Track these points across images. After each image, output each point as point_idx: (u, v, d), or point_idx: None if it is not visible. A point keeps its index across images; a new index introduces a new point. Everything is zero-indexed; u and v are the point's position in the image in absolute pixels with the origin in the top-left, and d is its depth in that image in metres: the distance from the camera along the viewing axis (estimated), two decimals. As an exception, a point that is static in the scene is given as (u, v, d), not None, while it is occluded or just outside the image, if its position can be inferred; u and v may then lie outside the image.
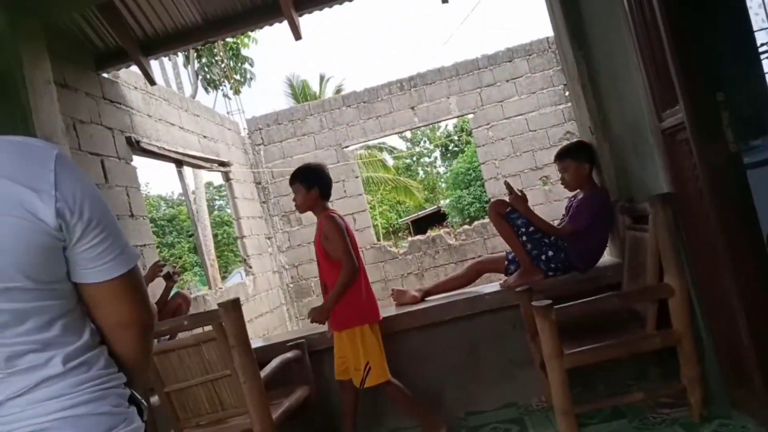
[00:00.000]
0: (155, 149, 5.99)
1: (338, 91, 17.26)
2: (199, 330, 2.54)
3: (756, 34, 2.93)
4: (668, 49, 2.00)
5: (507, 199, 3.04)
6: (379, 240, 11.21)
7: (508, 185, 3.10)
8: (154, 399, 2.48)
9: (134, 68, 4.94)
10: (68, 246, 0.85)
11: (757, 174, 2.23)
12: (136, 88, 5.89)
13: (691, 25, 1.99)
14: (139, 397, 0.97)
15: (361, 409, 2.87)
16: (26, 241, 0.79)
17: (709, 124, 1.96)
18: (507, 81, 9.60)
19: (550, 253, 2.90)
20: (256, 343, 3.21)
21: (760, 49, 2.93)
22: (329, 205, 2.83)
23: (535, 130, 9.55)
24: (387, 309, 3.30)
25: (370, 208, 14.44)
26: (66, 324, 0.87)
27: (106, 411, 0.87)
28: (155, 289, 4.02)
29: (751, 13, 2.93)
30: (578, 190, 3.05)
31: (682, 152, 2.16)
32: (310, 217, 10.61)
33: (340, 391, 2.79)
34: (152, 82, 5.06)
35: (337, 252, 2.59)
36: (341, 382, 2.76)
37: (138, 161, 5.44)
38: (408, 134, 25.32)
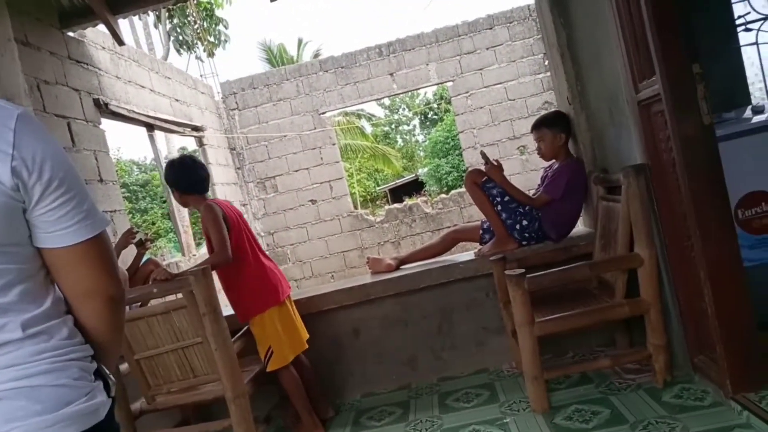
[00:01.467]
0: (125, 112, 5.81)
1: (316, 55, 16.92)
2: (170, 297, 2.51)
3: (733, 5, 2.92)
4: (647, 19, 1.99)
5: (483, 168, 3.03)
6: (356, 208, 11.18)
7: (483, 155, 3.09)
8: (124, 366, 2.46)
9: (102, 27, 4.74)
10: (28, 208, 0.81)
11: (729, 146, 2.26)
12: (104, 48, 5.66)
13: (671, -6, 1.96)
14: (107, 371, 0.92)
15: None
16: None
17: (685, 96, 1.97)
18: (487, 49, 9.50)
19: (525, 222, 2.92)
20: (228, 310, 3.20)
21: (737, 21, 2.93)
22: (208, 195, 2.75)
23: (513, 99, 9.53)
24: (362, 277, 3.31)
25: (348, 175, 14.35)
26: (25, 290, 0.82)
27: (64, 383, 0.83)
28: (127, 256, 3.95)
29: (730, -16, 2.92)
30: (554, 160, 3.06)
31: (657, 124, 2.17)
32: (287, 183, 10.52)
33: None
34: (120, 42, 4.87)
35: (214, 241, 2.50)
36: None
37: (107, 124, 5.27)
38: (387, 101, 25.09)
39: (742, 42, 2.94)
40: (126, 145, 62.01)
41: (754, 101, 2.89)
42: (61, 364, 0.83)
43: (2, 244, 0.80)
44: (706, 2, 2.82)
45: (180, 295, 2.30)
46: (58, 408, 0.81)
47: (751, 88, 2.97)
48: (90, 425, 0.84)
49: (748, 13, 2.94)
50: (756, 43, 2.97)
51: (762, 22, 2.95)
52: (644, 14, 2.00)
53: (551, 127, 2.97)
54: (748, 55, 2.97)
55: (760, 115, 2.50)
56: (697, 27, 2.59)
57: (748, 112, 2.57)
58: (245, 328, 2.67)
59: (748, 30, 2.94)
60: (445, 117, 21.85)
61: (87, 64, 5.11)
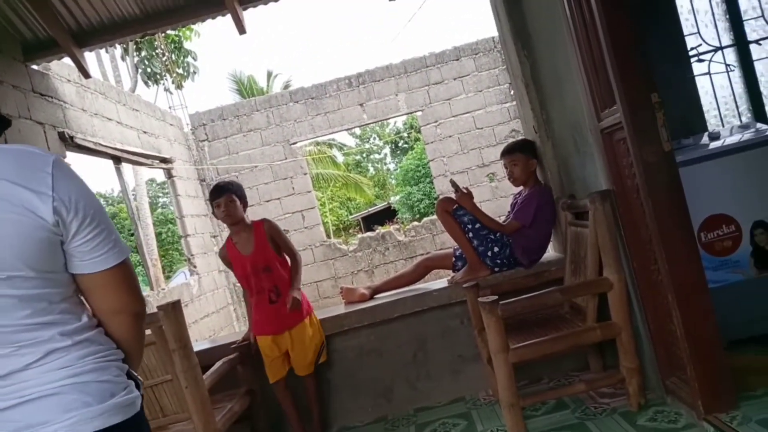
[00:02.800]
0: (91, 145, 5.71)
1: (286, 87, 17.01)
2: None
3: (686, 38, 3.07)
4: (606, 51, 2.07)
5: (454, 196, 3.07)
6: (329, 237, 11.13)
7: (453, 183, 3.13)
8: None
9: (67, 60, 4.68)
10: (66, 241, 0.95)
11: (689, 172, 2.35)
12: (69, 80, 5.59)
13: (629, 28, 2.05)
14: (135, 374, 1.08)
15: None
16: (27, 235, 0.90)
17: (645, 124, 2.04)
18: (454, 79, 9.72)
19: (496, 249, 2.95)
20: (200, 345, 3.12)
21: (690, 53, 3.07)
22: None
23: (481, 128, 9.73)
24: (336, 307, 3.27)
25: (320, 204, 14.32)
26: (65, 309, 0.98)
27: (108, 379, 0.99)
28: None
29: (682, 18, 3.07)
30: (522, 187, 3.12)
31: (619, 150, 2.23)
32: (259, 214, 10.44)
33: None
34: (86, 75, 4.81)
35: (290, 247, 2.95)
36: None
37: (73, 157, 5.17)
38: (357, 131, 25.30)
39: (695, 72, 3.09)
40: (92, 177, 60.82)
41: (710, 128, 3.02)
42: (103, 364, 0.99)
43: (46, 271, 0.94)
44: (661, 35, 2.96)
45: (148, 331, 2.24)
46: (105, 400, 0.96)
47: (706, 116, 3.10)
48: (130, 415, 0.99)
49: (700, 45, 3.09)
50: (708, 73, 3.12)
51: (713, 53, 3.11)
52: (603, 46, 2.08)
53: (524, 152, 3.03)
54: (702, 84, 3.12)
55: (716, 141, 2.61)
56: (653, 58, 2.71)
57: (705, 139, 2.68)
58: (218, 362, 2.60)
59: (700, 61, 3.09)
60: (415, 145, 22.11)
61: (52, 97, 5.03)
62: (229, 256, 2.85)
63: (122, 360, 1.05)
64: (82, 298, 1.04)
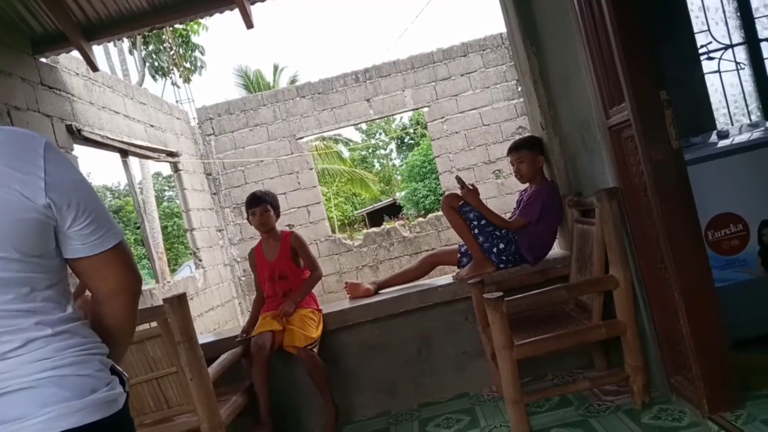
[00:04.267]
0: (98, 138, 5.74)
1: (293, 81, 17.02)
2: (143, 326, 2.45)
3: (696, 35, 3.04)
4: (616, 48, 2.05)
5: (459, 192, 3.06)
6: (334, 232, 11.15)
7: (459, 179, 3.12)
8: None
9: (75, 54, 4.70)
10: (61, 228, 0.93)
11: (697, 170, 2.33)
12: (77, 74, 5.61)
13: (638, 26, 2.04)
14: (120, 369, 1.03)
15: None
16: (16, 216, 0.87)
17: (653, 121, 2.03)
18: (461, 75, 9.69)
19: (502, 245, 2.94)
20: (205, 338, 3.13)
21: (700, 51, 3.05)
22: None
23: (488, 125, 9.70)
24: (341, 302, 3.28)
25: (326, 200, 14.33)
26: (49, 296, 0.94)
27: (89, 373, 0.94)
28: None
29: (692, 15, 3.04)
30: (528, 184, 3.11)
31: (627, 148, 2.22)
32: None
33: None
34: (94, 68, 4.83)
35: (312, 259, 3.06)
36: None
37: (80, 150, 5.20)
38: (363, 126, 25.26)
39: (705, 70, 3.06)
40: (99, 170, 61.03)
41: (718, 126, 3.00)
42: (84, 357, 0.94)
43: (32, 255, 0.91)
44: (671, 32, 2.94)
45: (154, 324, 2.25)
46: (85, 395, 0.91)
47: (715, 114, 3.08)
48: (111, 412, 0.94)
49: (710, 42, 3.07)
50: (718, 71, 3.10)
51: (723, 51, 3.08)
52: (613, 43, 2.07)
53: (531, 149, 3.02)
54: (712, 82, 3.09)
55: (725, 140, 2.59)
56: (663, 56, 2.69)
57: (713, 137, 2.66)
58: (223, 355, 2.62)
59: (710, 59, 3.07)
60: (421, 141, 22.08)
61: (60, 90, 5.05)
62: (256, 259, 3.08)
63: (107, 354, 1.01)
64: (71, 288, 1.03)
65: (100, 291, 1.03)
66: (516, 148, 3.06)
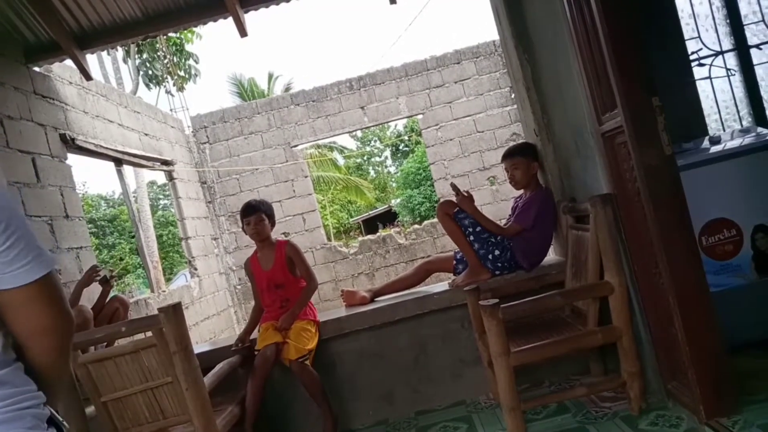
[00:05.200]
0: (92, 147, 5.72)
1: (287, 89, 17.03)
2: (138, 336, 2.43)
3: (687, 42, 3.07)
4: (608, 55, 2.07)
5: (455, 199, 3.07)
6: (329, 240, 11.13)
7: (454, 186, 3.13)
8: (90, 409, 2.36)
9: (69, 62, 4.69)
10: None
11: (690, 176, 2.35)
12: (71, 83, 5.60)
13: (630, 32, 2.06)
14: (60, 418, 0.90)
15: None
16: None
17: (646, 127, 2.04)
18: (455, 82, 9.73)
19: (497, 252, 2.95)
20: (201, 347, 3.12)
21: (691, 57, 3.08)
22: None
23: (482, 131, 9.73)
24: (337, 310, 3.27)
25: (321, 207, 14.33)
26: None
27: None
28: (92, 293, 3.83)
29: (682, 22, 3.07)
30: (523, 191, 3.12)
31: (621, 154, 2.24)
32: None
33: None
34: (88, 77, 4.82)
35: (308, 270, 3.03)
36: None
37: (74, 159, 5.18)
38: (359, 134, 25.32)
39: (696, 76, 3.09)
40: (93, 179, 60.86)
41: (710, 132, 3.02)
42: (13, 414, 0.81)
43: None
44: (662, 39, 2.97)
45: (149, 333, 2.24)
46: None
47: (707, 120, 3.11)
48: None
49: (701, 49, 3.10)
50: (709, 77, 3.12)
51: (714, 57, 3.11)
52: (605, 50, 2.08)
53: (525, 155, 3.03)
54: (703, 88, 3.12)
55: (717, 146, 2.61)
56: (654, 62, 2.71)
57: (705, 143, 2.68)
58: (219, 365, 2.61)
59: (701, 65, 3.10)
60: (416, 149, 22.12)
61: (53, 99, 5.04)
62: (252, 268, 3.06)
63: (43, 404, 0.87)
64: None
65: (21, 331, 0.87)
66: (510, 155, 3.07)
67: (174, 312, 2.21)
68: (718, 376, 2.03)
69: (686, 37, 3.06)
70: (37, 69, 4.76)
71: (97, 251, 19.01)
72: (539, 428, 2.43)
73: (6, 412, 0.80)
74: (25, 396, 0.84)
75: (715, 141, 2.66)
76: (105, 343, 2.88)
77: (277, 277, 2.97)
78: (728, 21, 3.13)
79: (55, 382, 0.93)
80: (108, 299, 3.70)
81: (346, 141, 25.96)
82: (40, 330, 0.87)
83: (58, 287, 0.90)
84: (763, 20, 3.13)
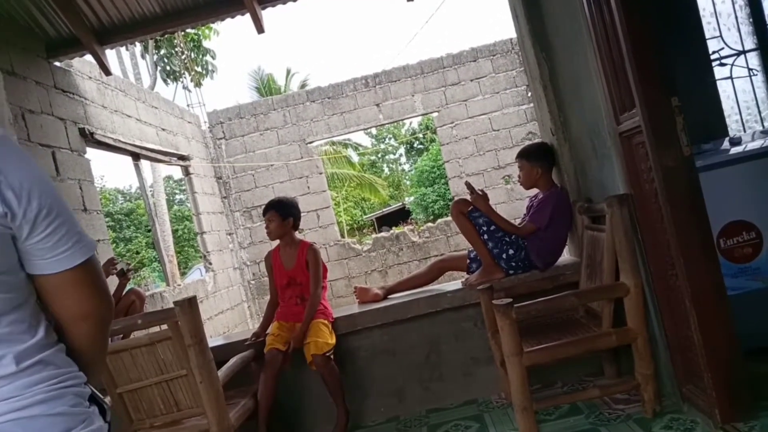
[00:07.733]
0: (110, 141, 5.79)
1: (303, 85, 17.10)
2: (154, 328, 2.47)
3: (708, 41, 3.03)
4: (627, 54, 2.05)
5: (469, 198, 3.06)
6: (343, 237, 11.16)
7: (468, 185, 3.12)
8: (106, 400, 2.39)
9: (88, 57, 4.76)
10: (20, 237, 0.80)
11: (709, 177, 2.31)
12: (90, 77, 5.68)
13: (649, 32, 2.03)
14: (101, 396, 0.92)
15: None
16: None
17: (664, 128, 2.02)
18: (471, 80, 9.69)
19: (511, 251, 2.93)
20: (215, 341, 3.15)
21: (712, 57, 3.03)
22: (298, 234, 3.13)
23: (498, 130, 9.68)
24: (349, 307, 3.28)
25: (335, 204, 14.36)
26: (17, 319, 0.81)
27: (62, 411, 0.82)
28: (109, 286, 3.89)
29: (704, 21, 3.03)
30: (538, 190, 3.10)
31: (638, 155, 2.21)
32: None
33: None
34: (107, 72, 4.89)
35: (318, 277, 2.95)
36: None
37: (92, 153, 5.25)
38: (373, 131, 25.32)
39: (717, 76, 3.04)
40: (111, 173, 61.63)
41: (731, 133, 2.98)
42: (57, 392, 0.83)
43: None
44: (682, 38, 2.93)
45: (165, 326, 2.27)
46: None
47: (727, 120, 3.06)
48: None
49: (722, 48, 3.05)
50: (731, 77, 3.07)
51: (735, 57, 3.06)
52: (624, 49, 2.06)
53: (529, 159, 3.03)
54: (724, 88, 3.07)
55: (737, 147, 2.57)
56: (674, 62, 2.68)
57: (725, 144, 2.64)
58: (232, 359, 2.64)
59: (722, 65, 3.05)
60: (430, 146, 22.08)
61: (73, 94, 5.11)
62: (273, 263, 3.08)
63: (84, 383, 0.89)
64: (39, 305, 0.89)
65: (64, 315, 0.88)
66: (518, 156, 3.10)
67: (189, 305, 2.23)
68: (734, 381, 2.00)
69: (707, 36, 3.01)
70: (57, 64, 4.83)
71: (114, 244, 19.27)
72: (551, 429, 2.42)
73: (49, 391, 0.82)
74: (67, 376, 0.85)
75: (736, 142, 2.62)
76: (121, 335, 2.92)
77: (299, 277, 2.99)
78: (751, 20, 3.07)
79: (94, 364, 0.95)
80: (125, 292, 3.75)
81: (361, 138, 25.96)
82: (81, 314, 0.88)
83: (99, 272, 0.90)
84: (788, 19, 3.07)
